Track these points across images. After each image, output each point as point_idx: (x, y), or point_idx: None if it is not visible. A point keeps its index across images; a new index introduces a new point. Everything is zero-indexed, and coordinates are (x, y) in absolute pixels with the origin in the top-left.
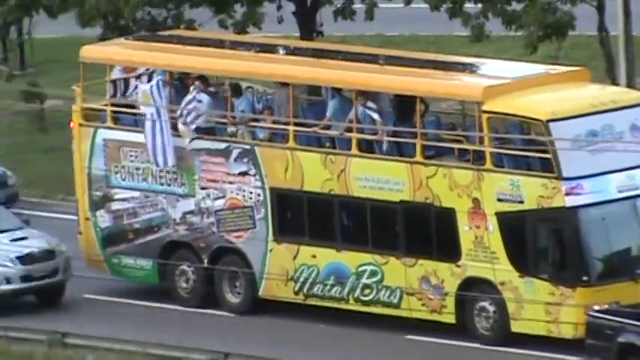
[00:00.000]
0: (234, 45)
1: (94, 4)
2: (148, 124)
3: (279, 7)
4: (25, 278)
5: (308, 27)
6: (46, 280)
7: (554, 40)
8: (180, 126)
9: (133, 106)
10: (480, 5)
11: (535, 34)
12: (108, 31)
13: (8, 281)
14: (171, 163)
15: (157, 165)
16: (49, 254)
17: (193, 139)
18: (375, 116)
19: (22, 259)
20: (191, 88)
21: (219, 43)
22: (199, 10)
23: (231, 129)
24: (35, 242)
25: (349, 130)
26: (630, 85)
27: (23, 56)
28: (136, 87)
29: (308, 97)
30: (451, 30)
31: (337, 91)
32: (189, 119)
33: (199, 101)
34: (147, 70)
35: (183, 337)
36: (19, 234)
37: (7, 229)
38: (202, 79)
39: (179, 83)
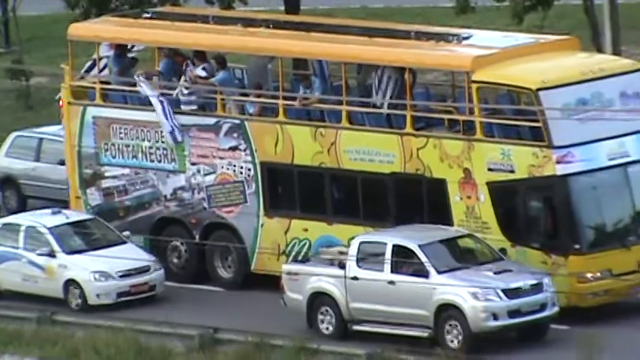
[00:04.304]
0: (221, 20)
1: None
2: (158, 107)
3: None
4: (512, 313)
5: (293, 1)
6: (533, 316)
7: (540, 10)
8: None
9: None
10: None
11: (521, 5)
12: (92, 6)
13: (495, 317)
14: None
15: (176, 141)
16: (536, 288)
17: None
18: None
19: (510, 293)
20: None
21: (206, 19)
22: None
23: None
24: (521, 276)
25: (339, 102)
26: (616, 53)
27: (8, 34)
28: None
29: (295, 72)
30: (437, 1)
31: (321, 70)
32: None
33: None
34: (132, 47)
35: (174, 312)
36: (501, 266)
37: (488, 260)
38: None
39: (168, 61)
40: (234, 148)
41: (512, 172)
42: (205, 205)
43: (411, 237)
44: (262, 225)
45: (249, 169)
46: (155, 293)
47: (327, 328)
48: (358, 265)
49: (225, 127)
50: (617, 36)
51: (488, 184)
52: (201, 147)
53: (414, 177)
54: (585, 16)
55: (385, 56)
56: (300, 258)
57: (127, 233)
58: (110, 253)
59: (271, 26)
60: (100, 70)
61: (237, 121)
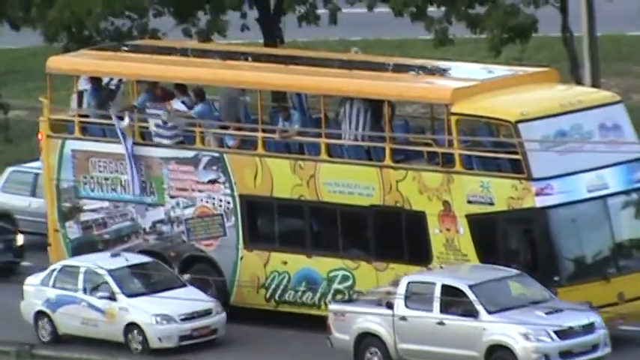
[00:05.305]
0: (200, 53)
1: (57, 17)
2: (128, 160)
3: (243, 15)
4: (564, 354)
5: (272, 33)
6: (585, 357)
7: (518, 43)
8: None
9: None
10: (442, 9)
11: (498, 37)
12: (72, 42)
13: (547, 358)
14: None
15: (136, 195)
16: (588, 328)
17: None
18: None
19: (562, 334)
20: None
21: (185, 52)
22: (164, 19)
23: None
24: (573, 316)
25: (318, 135)
26: (595, 85)
27: None
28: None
29: (274, 104)
30: (415, 34)
31: (299, 103)
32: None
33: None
34: (111, 79)
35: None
36: (552, 306)
37: (538, 300)
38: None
39: (147, 96)
40: (213, 181)
41: (491, 204)
42: (184, 238)
43: (461, 277)
44: (241, 258)
45: (229, 202)
46: (217, 337)
47: None
48: (406, 305)
49: (204, 160)
50: (597, 68)
51: (467, 216)
52: (180, 180)
53: (394, 210)
54: (564, 48)
55: (364, 89)
56: (346, 298)
57: (187, 276)
58: (171, 296)
59: (250, 59)
60: (86, 104)
61: (216, 154)
